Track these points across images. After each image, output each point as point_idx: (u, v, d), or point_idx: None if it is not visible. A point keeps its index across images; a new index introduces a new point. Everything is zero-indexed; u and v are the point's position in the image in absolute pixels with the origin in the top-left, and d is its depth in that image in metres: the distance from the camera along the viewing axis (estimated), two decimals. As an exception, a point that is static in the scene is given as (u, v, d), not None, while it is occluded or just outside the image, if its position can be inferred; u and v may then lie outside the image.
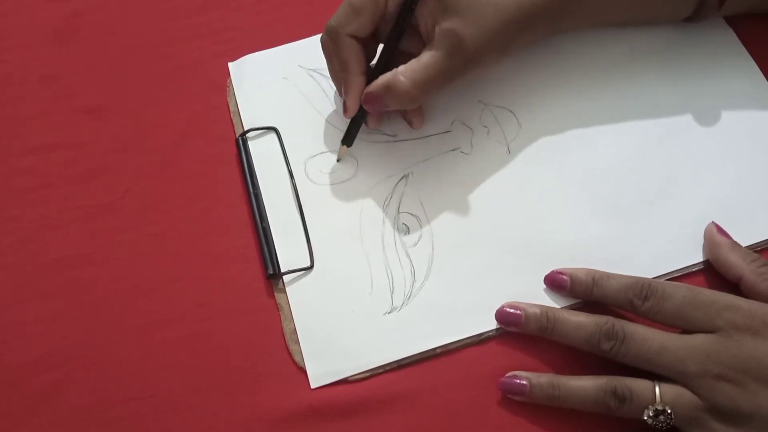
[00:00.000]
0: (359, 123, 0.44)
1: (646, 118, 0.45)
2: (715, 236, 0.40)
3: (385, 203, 0.44)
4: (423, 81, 0.40)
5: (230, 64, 0.49)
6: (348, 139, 0.44)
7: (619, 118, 0.45)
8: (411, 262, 0.42)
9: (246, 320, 0.41)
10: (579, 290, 0.39)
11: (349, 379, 0.39)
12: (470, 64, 0.40)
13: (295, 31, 0.49)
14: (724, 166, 0.43)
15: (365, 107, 0.42)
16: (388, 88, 0.40)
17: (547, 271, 0.40)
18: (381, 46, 0.43)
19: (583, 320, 0.38)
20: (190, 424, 0.39)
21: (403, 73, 0.40)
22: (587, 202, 0.43)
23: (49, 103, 0.49)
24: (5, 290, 0.43)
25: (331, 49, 0.43)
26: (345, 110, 0.44)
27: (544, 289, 0.40)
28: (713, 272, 0.40)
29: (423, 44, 0.42)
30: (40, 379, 0.41)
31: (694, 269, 0.41)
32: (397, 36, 0.42)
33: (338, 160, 0.45)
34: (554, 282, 0.40)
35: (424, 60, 0.40)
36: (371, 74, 0.42)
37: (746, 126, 0.44)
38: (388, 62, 0.42)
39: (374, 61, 0.44)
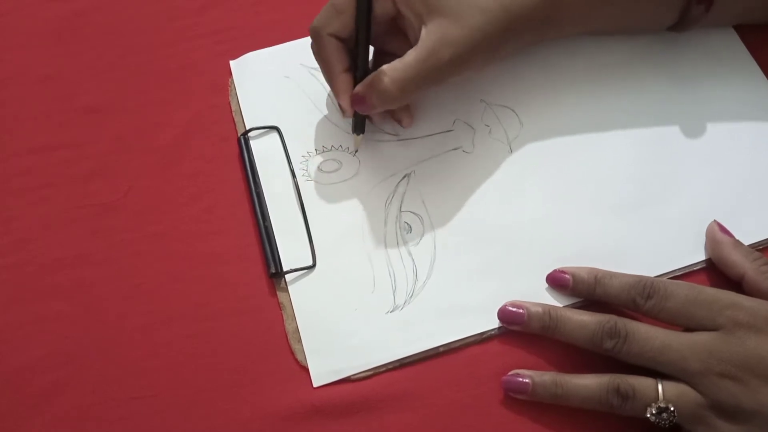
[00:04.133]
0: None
1: (648, 116, 0.45)
2: (717, 234, 0.40)
3: (387, 202, 0.44)
4: (403, 80, 0.39)
5: (232, 63, 0.49)
6: (358, 128, 0.44)
7: (621, 117, 0.45)
8: (413, 260, 0.42)
9: (248, 319, 0.41)
10: (581, 289, 0.39)
11: (352, 377, 0.39)
12: (452, 66, 0.40)
13: (296, 30, 0.49)
14: (727, 165, 0.43)
15: (355, 108, 0.42)
16: (371, 87, 0.40)
17: (549, 270, 0.40)
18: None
19: (586, 319, 0.38)
20: (191, 424, 0.39)
21: (385, 72, 0.40)
22: (589, 201, 0.43)
23: (49, 102, 0.49)
24: (6, 290, 0.43)
25: (315, 50, 0.43)
26: (342, 112, 0.44)
27: (547, 288, 0.41)
28: (715, 271, 0.40)
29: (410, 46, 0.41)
30: (41, 379, 0.41)
31: (696, 268, 0.41)
32: (365, 34, 0.42)
33: (356, 151, 0.45)
34: (556, 281, 0.40)
35: (407, 59, 0.40)
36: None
37: (748, 124, 0.44)
38: (365, 62, 0.42)
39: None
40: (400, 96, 0.40)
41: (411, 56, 0.40)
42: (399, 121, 0.45)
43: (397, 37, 0.43)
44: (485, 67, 0.42)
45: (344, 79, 0.42)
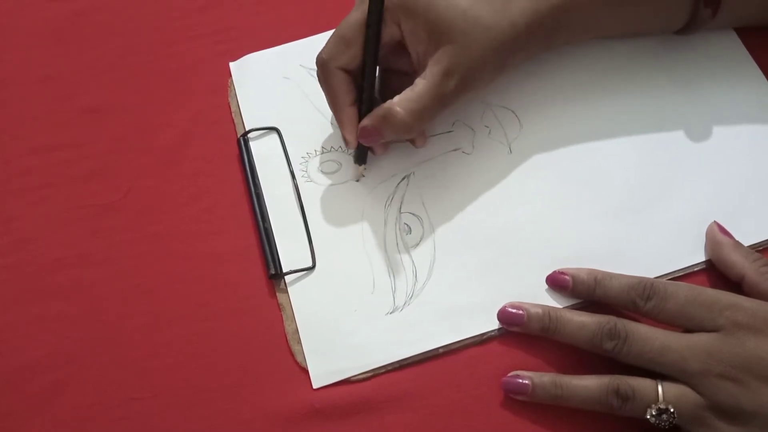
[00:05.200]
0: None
1: (648, 118, 0.45)
2: (717, 235, 0.40)
3: (387, 203, 0.44)
4: (418, 110, 0.39)
5: (231, 64, 0.49)
6: (360, 159, 0.44)
7: (621, 119, 0.45)
8: (413, 262, 0.42)
9: (248, 320, 0.41)
10: (581, 290, 0.39)
11: (351, 379, 0.39)
12: (464, 89, 0.40)
13: (296, 31, 0.49)
14: (727, 166, 0.43)
15: (362, 142, 0.42)
16: (385, 120, 0.40)
17: (549, 272, 0.40)
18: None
19: (586, 320, 0.38)
20: (191, 424, 0.39)
21: (398, 104, 0.40)
22: (589, 202, 0.43)
23: (50, 102, 0.49)
24: (6, 290, 0.43)
25: (322, 80, 0.43)
26: (346, 144, 0.43)
27: (546, 290, 0.41)
28: (715, 272, 0.40)
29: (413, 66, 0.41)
30: (42, 379, 0.41)
31: (696, 269, 0.41)
32: (373, 67, 0.41)
33: (357, 180, 0.44)
34: (556, 282, 0.40)
35: (418, 89, 0.39)
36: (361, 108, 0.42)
37: (748, 126, 0.44)
38: (371, 95, 0.42)
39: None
40: (418, 125, 0.40)
41: (421, 86, 0.39)
42: (413, 143, 0.44)
43: (401, 56, 0.42)
44: (494, 81, 0.42)
45: (350, 113, 0.42)
